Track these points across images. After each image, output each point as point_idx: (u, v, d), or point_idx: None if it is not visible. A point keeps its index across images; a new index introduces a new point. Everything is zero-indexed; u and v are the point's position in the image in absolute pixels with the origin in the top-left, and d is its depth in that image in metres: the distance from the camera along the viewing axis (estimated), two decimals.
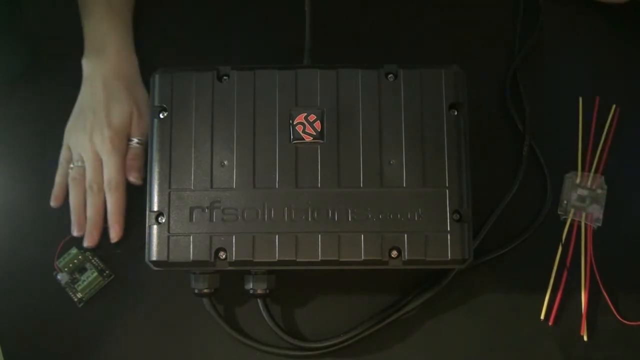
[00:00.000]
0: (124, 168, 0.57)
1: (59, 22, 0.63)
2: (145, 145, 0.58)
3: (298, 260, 0.49)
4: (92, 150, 0.57)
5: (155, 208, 0.50)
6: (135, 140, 0.58)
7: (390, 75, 0.52)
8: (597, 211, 0.59)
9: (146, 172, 0.51)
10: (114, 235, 0.57)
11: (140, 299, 0.58)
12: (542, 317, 0.57)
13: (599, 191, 0.59)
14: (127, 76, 0.59)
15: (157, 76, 0.52)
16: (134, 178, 0.57)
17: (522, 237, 0.58)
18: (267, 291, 0.54)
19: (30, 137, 0.61)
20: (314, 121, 0.51)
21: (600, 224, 0.59)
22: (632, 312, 0.57)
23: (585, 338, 0.56)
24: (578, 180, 0.60)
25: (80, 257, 0.58)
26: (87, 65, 0.59)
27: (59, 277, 0.57)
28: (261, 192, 0.50)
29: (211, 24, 0.63)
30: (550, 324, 0.57)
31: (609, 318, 0.57)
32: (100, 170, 0.57)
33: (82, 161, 0.57)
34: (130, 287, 0.58)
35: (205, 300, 0.55)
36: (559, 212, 0.59)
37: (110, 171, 0.57)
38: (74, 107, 0.59)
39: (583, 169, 0.60)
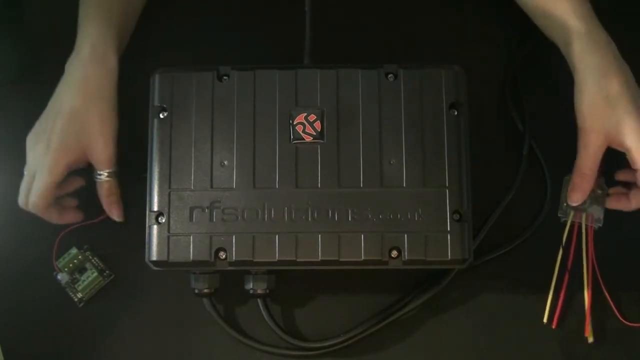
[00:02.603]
0: (49, 192, 0.53)
1: (59, 22, 0.63)
2: (117, 177, 0.55)
3: (298, 260, 0.49)
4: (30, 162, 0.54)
5: (155, 208, 0.50)
6: (105, 173, 0.55)
7: (390, 75, 0.52)
8: (597, 212, 0.59)
9: (146, 171, 0.51)
10: None
11: (140, 299, 0.58)
12: (545, 319, 0.57)
13: (599, 192, 0.59)
14: (95, 85, 0.54)
15: (157, 76, 0.52)
16: (117, 217, 0.56)
17: (522, 237, 0.58)
18: (267, 291, 0.54)
19: None
20: (314, 121, 0.51)
21: (601, 224, 0.58)
22: (635, 313, 0.57)
23: (589, 339, 0.56)
24: None
25: (80, 257, 0.58)
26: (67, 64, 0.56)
27: (59, 277, 0.57)
28: (261, 192, 0.50)
29: (211, 24, 0.63)
30: (552, 325, 0.57)
31: (611, 319, 0.57)
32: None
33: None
34: (130, 287, 0.58)
35: (205, 300, 0.55)
36: (559, 215, 0.59)
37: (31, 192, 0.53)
38: None
39: None
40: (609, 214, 0.59)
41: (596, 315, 0.57)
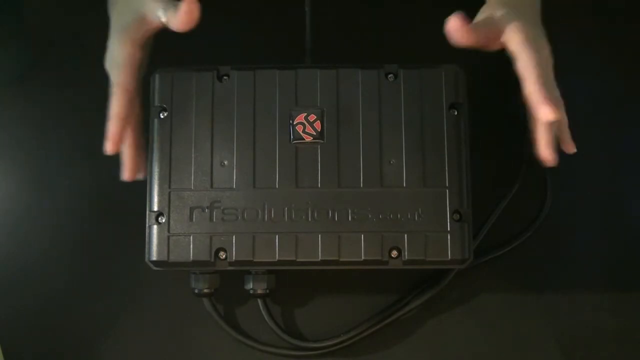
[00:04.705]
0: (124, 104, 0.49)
1: (59, 22, 0.63)
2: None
3: (298, 260, 0.49)
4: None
5: (155, 208, 0.50)
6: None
7: (390, 75, 0.52)
8: None
9: (146, 172, 0.51)
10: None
11: (140, 299, 0.58)
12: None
13: None
14: None
15: (157, 76, 0.52)
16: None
17: (522, 237, 0.58)
18: (267, 291, 0.54)
19: (31, 137, 0.60)
20: (314, 121, 0.51)
21: None
22: (632, 312, 0.57)
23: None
24: None
25: None
26: None
27: None
28: (261, 192, 0.50)
29: (211, 24, 0.63)
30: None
31: (608, 318, 0.57)
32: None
33: None
34: (130, 287, 0.58)
35: (205, 300, 0.55)
36: None
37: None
38: None
39: None
40: (608, 213, 0.59)
41: (595, 313, 0.57)
